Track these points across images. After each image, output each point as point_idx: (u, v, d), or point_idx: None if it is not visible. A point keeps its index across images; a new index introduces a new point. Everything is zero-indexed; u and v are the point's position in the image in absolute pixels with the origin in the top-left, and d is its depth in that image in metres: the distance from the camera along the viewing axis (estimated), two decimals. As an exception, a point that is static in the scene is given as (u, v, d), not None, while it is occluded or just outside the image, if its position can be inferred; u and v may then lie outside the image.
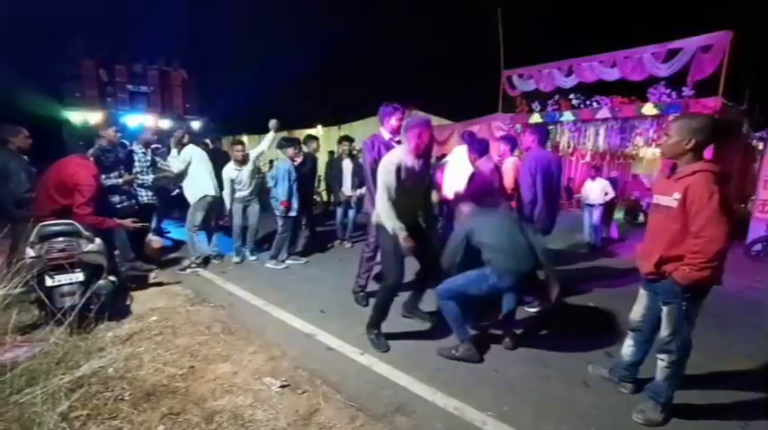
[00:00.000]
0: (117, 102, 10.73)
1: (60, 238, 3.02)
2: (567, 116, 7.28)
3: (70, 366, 2.25)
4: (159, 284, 4.22)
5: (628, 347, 2.36)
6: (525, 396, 2.37)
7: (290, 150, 4.86)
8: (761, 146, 6.90)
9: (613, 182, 6.81)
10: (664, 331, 2.06)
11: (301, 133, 12.10)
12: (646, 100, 6.39)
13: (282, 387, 2.37)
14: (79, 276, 2.94)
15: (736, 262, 5.60)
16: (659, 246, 2.00)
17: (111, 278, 3.22)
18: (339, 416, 2.14)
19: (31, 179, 3.68)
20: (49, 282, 2.84)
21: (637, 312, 2.30)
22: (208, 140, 7.76)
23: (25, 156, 3.85)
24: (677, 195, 1.89)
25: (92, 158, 3.71)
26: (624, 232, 7.34)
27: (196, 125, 11.73)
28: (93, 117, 9.89)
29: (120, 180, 4.21)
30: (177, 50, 11.93)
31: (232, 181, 4.86)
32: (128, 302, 3.62)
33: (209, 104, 13.20)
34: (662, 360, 2.09)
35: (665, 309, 2.05)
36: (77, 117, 10.08)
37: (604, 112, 6.83)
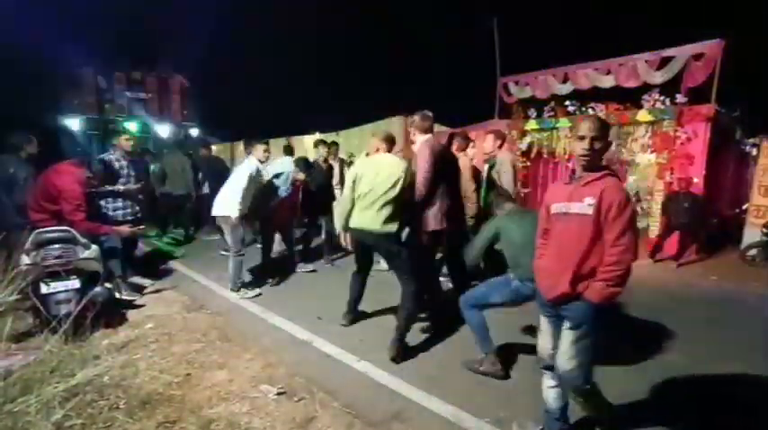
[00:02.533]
0: (115, 108, 10.77)
1: (56, 245, 3.01)
2: (563, 122, 7.34)
3: (65, 374, 2.23)
4: (156, 291, 4.20)
5: (550, 389, 1.96)
6: (522, 402, 2.36)
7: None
8: (754, 152, 6.96)
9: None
10: (569, 362, 1.75)
11: (300, 140, 12.13)
12: (640, 107, 6.46)
13: (279, 394, 2.36)
14: (75, 283, 2.93)
15: (732, 267, 5.65)
16: (572, 261, 1.72)
17: (108, 285, 3.21)
18: (336, 423, 2.13)
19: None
20: (44, 289, 2.83)
21: (545, 346, 1.94)
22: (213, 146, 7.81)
23: (30, 164, 3.89)
24: (591, 200, 1.68)
25: (83, 165, 3.64)
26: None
27: (194, 131, 11.76)
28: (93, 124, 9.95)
29: (122, 188, 4.19)
30: (176, 57, 12.00)
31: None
32: (123, 310, 3.60)
33: (208, 111, 13.27)
34: (574, 401, 1.87)
35: (570, 334, 1.76)
36: (75, 124, 10.10)
37: (599, 119, 6.90)
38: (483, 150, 4.15)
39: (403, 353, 2.84)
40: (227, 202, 3.99)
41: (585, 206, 1.70)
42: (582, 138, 1.74)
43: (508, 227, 2.56)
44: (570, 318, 1.77)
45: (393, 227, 2.95)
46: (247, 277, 4.61)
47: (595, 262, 1.70)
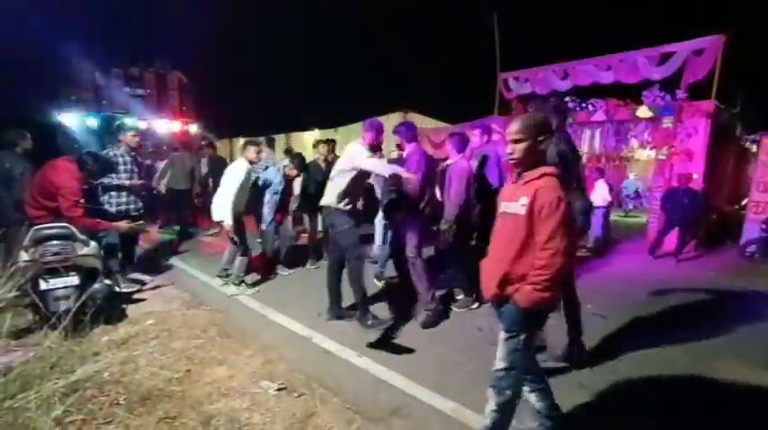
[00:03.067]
0: (113, 105, 10.71)
1: (55, 242, 3.00)
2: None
3: (65, 371, 2.23)
4: (155, 288, 4.20)
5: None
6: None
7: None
8: (754, 148, 6.97)
9: (609, 185, 6.87)
10: (498, 363, 1.74)
11: (299, 136, 12.11)
12: (640, 103, 6.45)
13: (279, 390, 2.36)
14: (74, 280, 2.92)
15: (731, 263, 5.66)
16: (504, 261, 1.69)
17: (107, 281, 3.20)
18: (336, 418, 2.13)
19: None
20: (43, 285, 2.82)
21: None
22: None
23: (26, 160, 3.92)
24: (524, 200, 1.64)
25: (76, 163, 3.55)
26: (620, 235, 7.38)
27: (193, 128, 11.71)
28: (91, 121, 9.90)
29: (126, 182, 4.19)
30: (174, 53, 11.93)
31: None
32: (123, 306, 3.60)
33: (207, 107, 13.20)
34: (491, 398, 1.78)
35: (502, 335, 1.74)
36: (73, 120, 10.05)
37: (600, 115, 6.88)
38: (471, 146, 4.17)
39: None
40: (221, 208, 3.98)
41: (519, 206, 1.66)
42: (508, 140, 1.74)
43: None
44: (502, 320, 1.75)
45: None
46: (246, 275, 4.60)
47: (527, 264, 1.63)
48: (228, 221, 3.90)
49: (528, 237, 1.63)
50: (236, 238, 4.09)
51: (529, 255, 1.63)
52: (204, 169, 7.53)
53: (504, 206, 1.77)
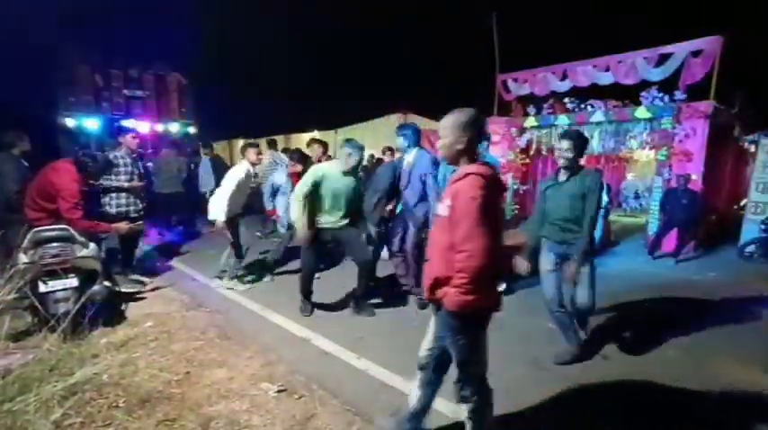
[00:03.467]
0: (113, 106, 10.69)
1: (54, 244, 3.00)
2: (563, 119, 7.33)
3: (64, 373, 2.23)
4: (155, 289, 4.19)
5: (411, 390, 1.93)
6: (522, 399, 2.37)
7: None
8: (752, 149, 6.97)
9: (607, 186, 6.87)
10: (456, 374, 1.71)
11: (298, 138, 12.12)
12: (639, 104, 6.46)
13: (279, 392, 2.36)
14: (73, 282, 2.92)
15: (730, 263, 5.67)
16: (434, 264, 1.65)
17: (106, 283, 3.20)
18: (336, 420, 2.13)
19: (24, 181, 3.69)
20: (42, 287, 2.81)
21: (423, 345, 1.85)
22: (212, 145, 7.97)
23: (25, 161, 3.96)
24: (448, 201, 1.59)
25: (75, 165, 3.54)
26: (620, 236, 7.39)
27: (193, 130, 11.70)
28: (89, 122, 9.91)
29: (126, 184, 4.19)
30: (174, 55, 11.92)
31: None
32: (122, 308, 3.59)
33: (206, 109, 13.18)
34: (463, 410, 1.75)
35: (446, 344, 1.70)
36: (72, 122, 10.04)
37: (598, 116, 6.90)
38: None
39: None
40: (216, 207, 4.00)
41: (444, 207, 1.61)
42: (441, 137, 1.71)
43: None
44: (439, 327, 1.72)
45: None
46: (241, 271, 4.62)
47: (452, 267, 1.56)
48: (221, 218, 3.93)
49: (451, 239, 1.56)
50: (231, 239, 4.12)
51: (453, 258, 1.55)
52: (203, 170, 7.41)
53: (437, 207, 1.74)
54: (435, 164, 3.63)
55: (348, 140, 3.43)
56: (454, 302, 1.54)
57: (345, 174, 3.41)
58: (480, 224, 1.49)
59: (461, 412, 1.77)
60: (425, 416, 1.95)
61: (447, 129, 1.67)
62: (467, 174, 1.57)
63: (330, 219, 3.45)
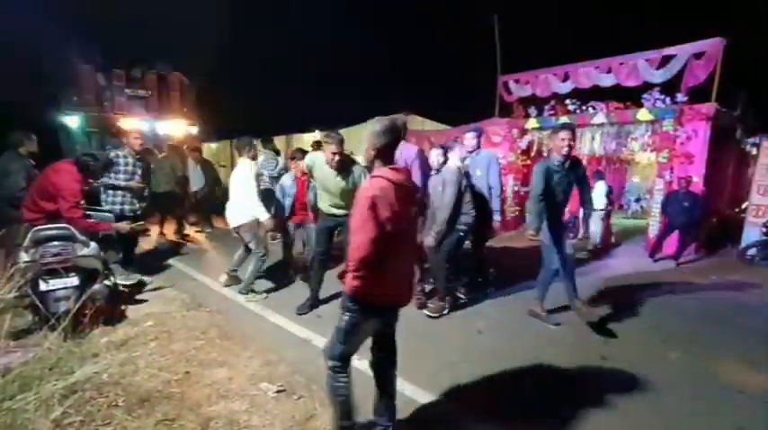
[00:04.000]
0: (114, 106, 10.71)
1: (55, 242, 3.00)
2: (564, 121, 7.34)
3: (64, 372, 2.23)
4: (155, 289, 4.20)
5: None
6: (524, 400, 2.37)
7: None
8: (754, 151, 6.96)
9: (609, 188, 6.87)
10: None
11: (299, 138, 12.12)
12: (641, 105, 6.45)
13: (278, 392, 2.36)
14: (74, 281, 2.92)
15: (731, 266, 5.66)
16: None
17: (107, 282, 3.20)
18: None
19: (29, 180, 3.73)
20: (43, 286, 2.82)
21: None
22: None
23: (32, 161, 4.02)
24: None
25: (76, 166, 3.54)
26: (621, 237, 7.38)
27: (194, 130, 11.71)
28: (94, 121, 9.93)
29: (123, 183, 4.19)
30: (176, 55, 11.94)
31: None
32: (123, 307, 3.60)
33: (208, 108, 13.20)
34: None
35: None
36: (74, 121, 10.06)
37: (600, 118, 6.89)
38: (465, 148, 4.19)
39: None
40: (240, 213, 3.93)
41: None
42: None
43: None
44: None
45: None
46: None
47: None
48: (265, 215, 3.91)
49: None
50: (251, 242, 4.01)
51: None
52: (192, 172, 7.35)
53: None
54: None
55: (327, 134, 3.37)
56: (346, 285, 1.77)
57: (337, 173, 3.34)
58: (368, 220, 1.66)
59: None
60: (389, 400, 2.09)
61: (368, 135, 1.86)
62: (373, 176, 1.78)
63: (334, 211, 3.53)
